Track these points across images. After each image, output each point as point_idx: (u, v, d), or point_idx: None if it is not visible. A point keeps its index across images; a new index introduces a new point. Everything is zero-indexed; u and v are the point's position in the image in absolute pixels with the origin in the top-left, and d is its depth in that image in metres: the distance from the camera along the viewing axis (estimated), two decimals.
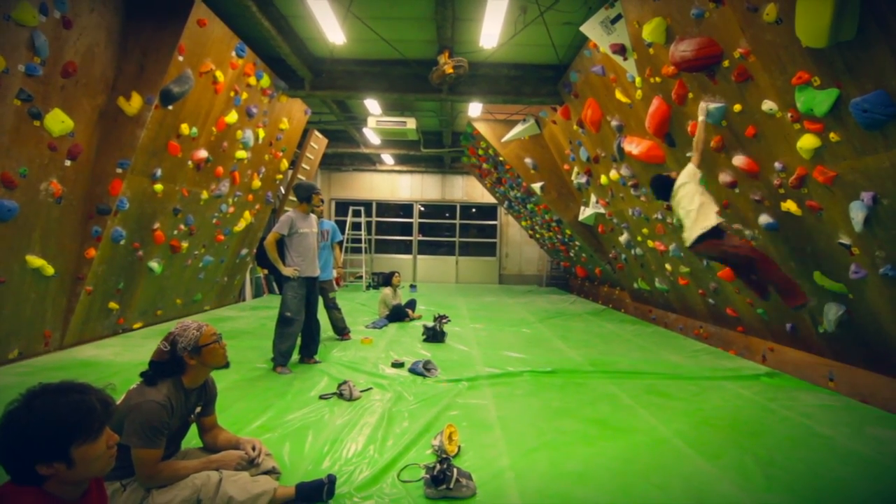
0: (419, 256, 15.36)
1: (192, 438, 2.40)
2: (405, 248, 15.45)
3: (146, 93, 4.88)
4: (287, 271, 4.29)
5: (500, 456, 2.67)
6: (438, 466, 2.25)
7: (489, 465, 2.55)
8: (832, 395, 3.89)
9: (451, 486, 2.18)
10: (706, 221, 3.87)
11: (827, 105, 3.06)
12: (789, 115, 3.40)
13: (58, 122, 4.26)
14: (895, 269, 3.21)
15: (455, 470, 2.24)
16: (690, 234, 3.97)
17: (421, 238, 15.43)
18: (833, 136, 3.16)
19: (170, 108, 5.06)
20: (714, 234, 3.89)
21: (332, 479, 2.16)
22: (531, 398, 3.71)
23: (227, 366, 2.33)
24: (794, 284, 3.78)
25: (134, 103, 4.83)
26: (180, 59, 4.95)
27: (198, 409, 2.33)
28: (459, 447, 2.69)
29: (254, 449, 2.28)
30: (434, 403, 3.48)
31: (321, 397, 3.55)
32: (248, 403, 3.43)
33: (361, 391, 3.66)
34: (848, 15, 2.68)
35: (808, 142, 3.34)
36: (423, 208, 15.46)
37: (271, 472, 2.31)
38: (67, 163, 4.52)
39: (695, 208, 3.92)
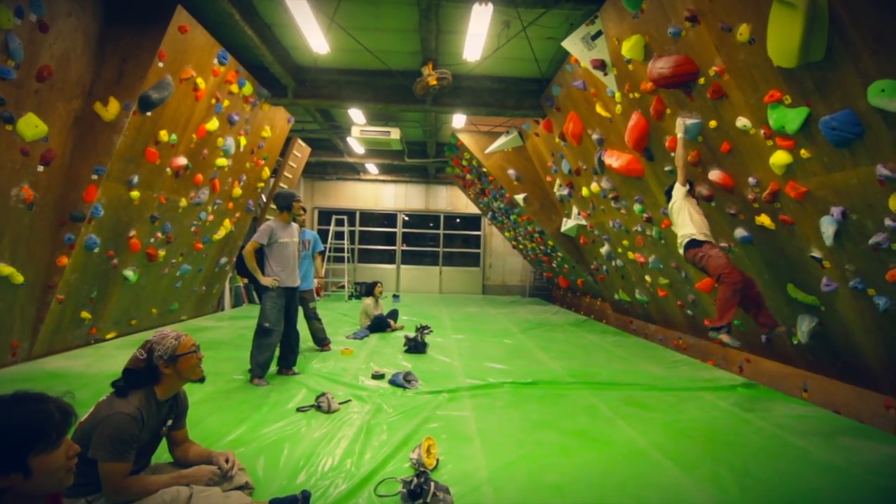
0: (403, 266, 15.31)
1: (162, 453, 2.33)
2: (389, 257, 15.39)
3: (124, 98, 4.81)
4: (266, 281, 4.23)
5: (479, 469, 2.65)
6: (415, 480, 2.22)
7: (468, 478, 2.53)
8: (806, 406, 3.96)
9: (428, 500, 2.15)
10: (684, 230, 4.08)
11: (798, 123, 3.16)
12: (762, 131, 3.49)
13: (31, 126, 4.16)
14: (864, 283, 3.30)
15: (432, 484, 2.21)
16: (679, 245, 4.18)
17: (405, 248, 15.40)
18: (804, 153, 3.26)
19: (148, 114, 4.99)
20: (693, 243, 4.03)
21: (306, 496, 2.12)
22: (511, 410, 3.69)
23: (202, 380, 2.28)
24: (726, 312, 3.91)
25: (111, 109, 4.75)
26: (160, 65, 4.89)
27: (168, 423, 2.27)
28: (438, 460, 2.66)
29: (227, 461, 2.23)
30: (414, 416, 3.45)
31: (298, 410, 3.49)
32: (222, 416, 3.35)
33: (340, 403, 3.61)
34: (817, 36, 2.78)
35: (780, 158, 3.44)
36: (406, 218, 15.45)
37: (244, 487, 2.26)
38: (40, 168, 4.41)
39: (680, 222, 4.12)
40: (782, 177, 3.53)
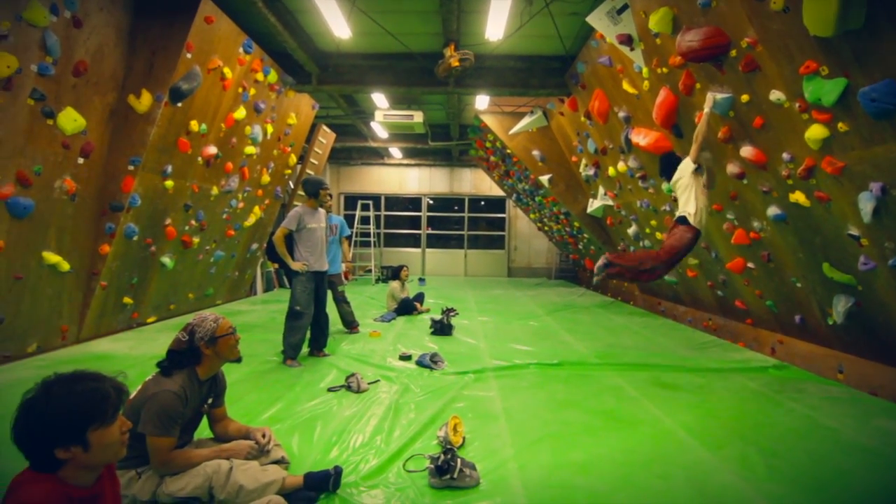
0: (428, 250, 15.40)
1: (203, 430, 2.47)
2: (414, 241, 15.49)
3: (156, 90, 4.95)
4: (296, 266, 4.35)
5: (505, 447, 2.71)
6: (443, 457, 2.29)
7: (493, 456, 2.60)
8: (840, 388, 3.87)
9: (455, 475, 2.22)
10: (684, 208, 4.11)
11: (835, 95, 3.03)
12: (797, 105, 3.36)
13: (70, 120, 4.35)
14: None
15: (459, 460, 2.28)
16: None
17: (429, 231, 15.47)
18: (841, 126, 3.13)
19: (179, 105, 5.13)
20: (682, 220, 4.06)
21: (338, 471, 2.22)
22: (537, 390, 3.74)
23: (239, 360, 2.40)
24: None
25: (144, 101, 4.91)
26: (188, 56, 5.00)
27: (209, 401, 2.40)
28: (464, 438, 2.74)
29: (264, 437, 2.35)
30: (440, 395, 3.53)
31: (329, 389, 3.61)
32: (258, 395, 3.50)
33: (369, 383, 3.72)
34: (855, 3, 2.64)
35: (816, 132, 3.31)
36: (431, 202, 15.47)
37: (280, 461, 2.38)
38: (80, 160, 4.61)
39: (685, 199, 4.13)
40: (818, 152, 3.40)
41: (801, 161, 3.60)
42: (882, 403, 3.52)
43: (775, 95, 3.50)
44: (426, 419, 3.06)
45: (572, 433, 2.92)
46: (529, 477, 2.38)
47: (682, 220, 4.08)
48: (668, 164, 4.43)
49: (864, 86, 2.85)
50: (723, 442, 2.77)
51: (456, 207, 15.51)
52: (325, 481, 2.18)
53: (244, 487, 2.03)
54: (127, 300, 5.58)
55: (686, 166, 4.08)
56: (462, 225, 15.43)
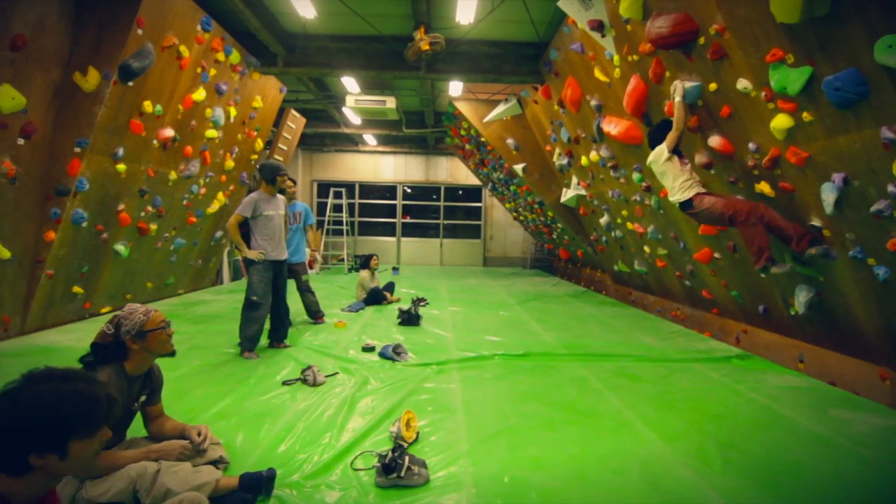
0: (403, 239, 15.24)
1: (140, 428, 2.31)
2: (390, 230, 15.31)
3: (104, 68, 4.66)
4: (251, 254, 4.17)
5: (460, 441, 2.63)
6: (390, 454, 2.19)
7: (447, 451, 2.51)
8: (800, 377, 3.90)
9: (403, 474, 2.12)
10: (673, 197, 3.99)
11: (800, 83, 2.99)
12: (763, 94, 3.32)
13: (7, 98, 4.05)
14: (864, 252, 3.18)
15: (407, 458, 2.18)
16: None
17: (405, 220, 15.29)
18: (806, 116, 3.09)
19: (130, 84, 4.84)
20: (686, 206, 3.92)
21: (270, 475, 2.09)
22: (499, 382, 3.66)
23: (172, 354, 2.24)
24: (762, 246, 3.52)
25: (91, 79, 4.61)
26: (139, 32, 4.71)
27: (142, 398, 2.25)
28: (418, 433, 2.64)
29: (199, 435, 2.20)
30: (400, 388, 3.43)
31: (284, 383, 3.47)
32: (207, 389, 3.34)
33: (326, 376, 3.59)
34: None
35: (781, 122, 3.27)
36: (409, 190, 15.28)
37: (218, 461, 2.24)
38: (21, 141, 4.31)
39: (668, 186, 4.01)
40: (783, 142, 3.37)
41: (766, 151, 3.57)
42: (840, 393, 3.55)
43: (742, 84, 3.45)
44: (382, 413, 2.96)
45: (531, 427, 2.84)
46: (482, 473, 2.29)
47: (688, 205, 3.91)
48: (655, 134, 4.17)
49: (828, 74, 2.80)
50: (681, 434, 2.74)
51: (434, 196, 15.35)
52: (259, 483, 2.05)
53: (172, 491, 1.89)
54: (77, 289, 5.30)
55: (660, 153, 3.99)
56: (438, 214, 15.29)
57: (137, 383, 2.19)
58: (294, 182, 5.55)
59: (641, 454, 2.50)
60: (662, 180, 4.11)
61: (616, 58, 4.81)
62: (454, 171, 14.88)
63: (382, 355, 4.20)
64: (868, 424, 2.90)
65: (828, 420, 2.98)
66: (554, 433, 2.76)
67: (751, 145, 3.68)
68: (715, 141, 4.03)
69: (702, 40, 3.62)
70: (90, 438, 1.24)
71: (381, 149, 14.46)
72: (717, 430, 2.81)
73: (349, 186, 14.44)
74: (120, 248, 5.66)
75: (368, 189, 15.24)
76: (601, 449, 2.56)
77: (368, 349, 4.40)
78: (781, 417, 3.03)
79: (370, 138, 13.50)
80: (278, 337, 4.51)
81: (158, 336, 2.15)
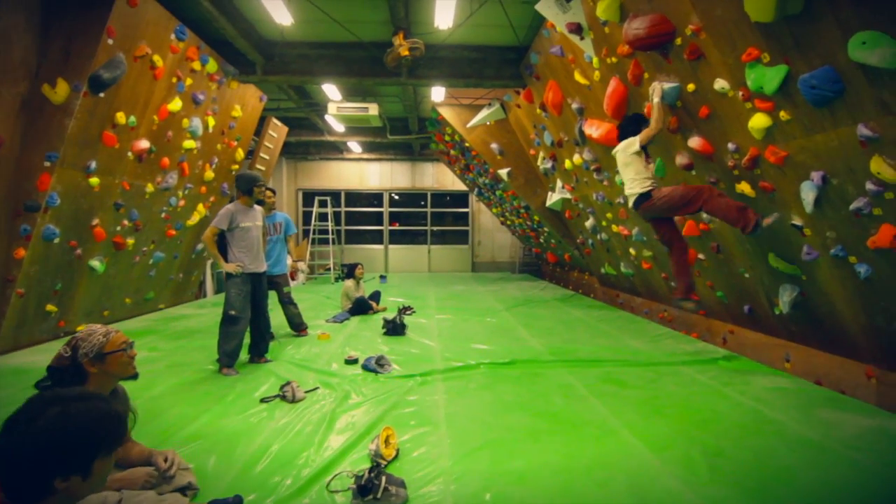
0: (391, 246, 15.14)
1: None
2: (377, 238, 15.20)
3: (73, 79, 4.54)
4: (228, 268, 4.06)
5: (442, 457, 2.54)
6: (367, 475, 2.10)
7: (428, 467, 2.42)
8: (787, 378, 3.87)
9: (380, 495, 2.04)
10: (632, 189, 4.05)
11: (776, 82, 2.97)
12: (741, 93, 3.30)
13: None
14: (845, 250, 3.17)
15: (384, 478, 2.09)
16: (629, 200, 4.15)
17: (392, 228, 15.19)
18: (783, 115, 3.08)
19: (101, 95, 4.72)
20: (644, 198, 3.98)
21: (237, 501, 1.99)
22: (484, 392, 3.58)
23: (135, 377, 2.13)
24: (740, 207, 3.60)
25: (60, 91, 4.49)
26: (110, 42, 4.60)
27: None
28: (398, 450, 2.55)
29: (166, 461, 2.10)
30: (382, 402, 3.33)
31: (262, 400, 3.36)
32: (182, 409, 3.22)
33: (306, 392, 3.48)
34: None
35: (759, 121, 3.26)
36: (396, 196, 15.19)
37: (187, 487, 2.14)
38: None
39: (628, 178, 4.08)
40: (762, 141, 3.36)
41: (745, 151, 3.55)
42: (826, 392, 3.53)
43: (719, 84, 3.43)
44: (362, 429, 2.86)
45: (515, 439, 2.77)
46: (463, 490, 2.21)
47: (646, 197, 3.95)
48: (632, 127, 4.15)
49: (804, 72, 2.79)
50: (667, 442, 2.68)
51: (422, 203, 15.27)
52: None
53: None
54: (51, 308, 5.14)
55: (630, 143, 3.99)
56: (425, 220, 15.21)
57: None
58: (273, 192, 5.45)
59: (627, 465, 2.43)
60: (623, 171, 4.14)
61: (595, 60, 4.79)
62: (440, 177, 14.84)
63: (365, 368, 4.11)
64: (856, 426, 2.86)
65: (816, 422, 2.94)
66: (538, 445, 2.69)
67: (730, 145, 3.67)
68: (695, 142, 4.02)
69: (678, 41, 3.60)
70: (109, 456, 1.24)
71: (366, 156, 14.38)
72: (705, 436, 2.75)
73: (335, 195, 14.34)
74: (95, 263, 5.51)
75: (355, 197, 15.13)
76: (586, 460, 2.49)
77: (351, 361, 4.30)
78: (769, 421, 2.98)
79: (355, 146, 13.42)
80: (258, 352, 4.40)
81: (119, 358, 2.04)
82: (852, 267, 3.15)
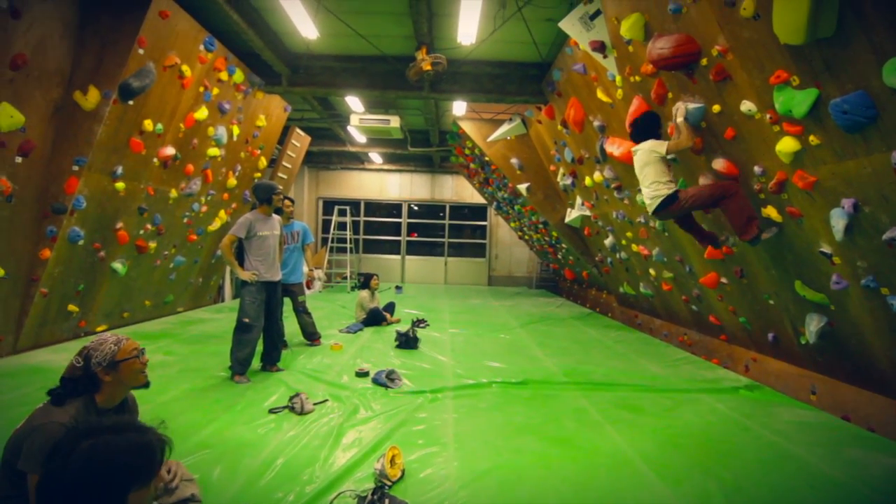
0: (408, 257, 15.16)
1: None
2: (395, 248, 15.24)
3: (104, 87, 4.67)
4: (245, 275, 4.09)
5: (449, 479, 2.48)
6: (369, 496, 2.06)
7: (433, 491, 2.37)
8: (812, 412, 3.71)
9: None
10: (657, 192, 3.90)
11: (806, 106, 2.89)
12: (768, 116, 3.22)
13: (5, 116, 4.05)
14: (877, 281, 3.03)
15: (387, 500, 2.05)
16: (651, 205, 4.00)
17: (410, 238, 15.22)
18: (813, 139, 2.98)
19: (130, 102, 4.85)
20: (670, 200, 3.85)
21: None
22: (494, 413, 3.51)
23: (146, 385, 2.14)
24: (751, 216, 3.63)
25: (91, 98, 4.62)
26: (140, 52, 4.74)
27: None
28: (403, 471, 2.50)
29: (169, 472, 2.09)
30: (391, 419, 3.29)
31: (271, 411, 3.35)
32: (192, 416, 3.23)
33: (315, 404, 3.46)
34: (826, 10, 2.50)
35: (787, 145, 3.17)
36: (416, 207, 15.25)
37: (190, 499, 2.12)
38: (18, 159, 4.31)
39: (648, 180, 3.95)
40: (790, 165, 3.26)
41: (772, 175, 3.45)
42: (854, 430, 3.36)
43: (746, 106, 3.35)
44: (369, 447, 2.82)
45: (524, 464, 2.69)
46: None
47: (672, 199, 3.83)
48: (648, 126, 4.08)
49: (835, 97, 2.70)
50: (683, 475, 2.57)
51: (441, 214, 15.29)
52: None
53: None
54: (72, 308, 5.25)
55: (656, 147, 3.87)
56: (443, 232, 15.21)
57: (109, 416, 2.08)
58: (292, 201, 5.50)
59: (641, 498, 2.34)
60: (643, 170, 4.00)
61: (618, 79, 4.75)
62: (459, 190, 14.85)
63: (376, 381, 4.07)
64: (884, 467, 2.71)
65: (842, 460, 2.80)
66: (548, 472, 2.61)
67: (756, 168, 3.57)
68: (719, 164, 3.93)
69: (704, 61, 3.54)
70: (146, 488, 1.21)
71: (386, 167, 14.49)
72: (723, 470, 2.64)
73: (354, 204, 14.45)
74: (117, 266, 5.62)
75: (374, 207, 15.24)
76: (598, 492, 2.40)
77: (362, 374, 4.28)
78: (792, 457, 2.85)
79: (376, 156, 13.53)
80: (271, 360, 4.41)
81: (131, 366, 2.05)
82: (884, 299, 3.02)
